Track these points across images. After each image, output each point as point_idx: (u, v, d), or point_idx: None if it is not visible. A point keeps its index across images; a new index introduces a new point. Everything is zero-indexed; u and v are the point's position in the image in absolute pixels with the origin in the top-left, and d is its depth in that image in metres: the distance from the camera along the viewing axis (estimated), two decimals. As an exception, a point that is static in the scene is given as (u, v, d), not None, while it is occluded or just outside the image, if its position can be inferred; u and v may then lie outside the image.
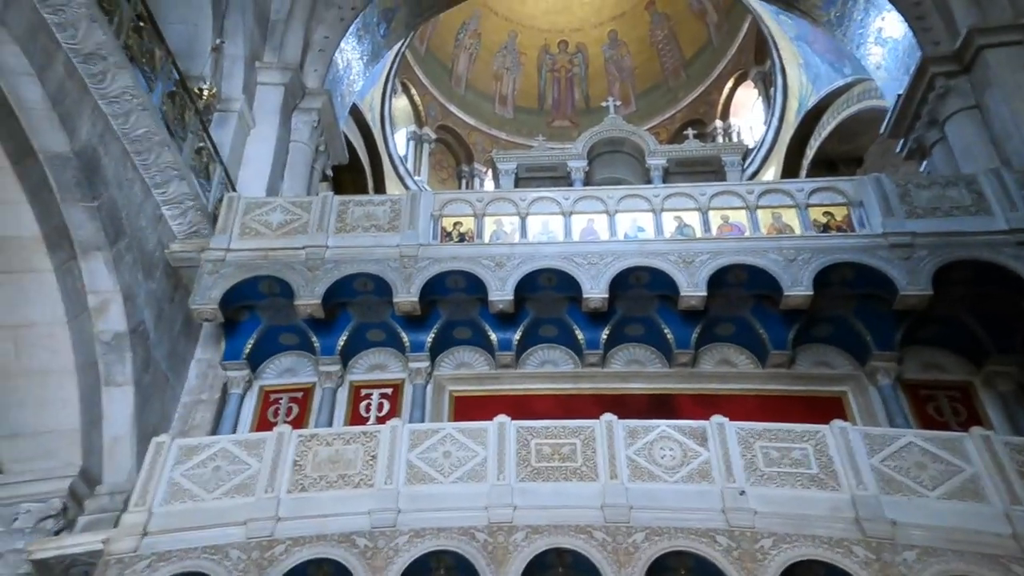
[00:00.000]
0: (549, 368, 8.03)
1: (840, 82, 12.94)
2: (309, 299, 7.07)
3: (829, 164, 13.74)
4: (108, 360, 6.33)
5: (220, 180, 8.20)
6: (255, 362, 7.62)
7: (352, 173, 14.28)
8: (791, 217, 7.75)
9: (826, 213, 7.71)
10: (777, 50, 14.73)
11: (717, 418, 6.02)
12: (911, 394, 7.28)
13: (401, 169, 16.58)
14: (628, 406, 6.96)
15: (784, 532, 5.25)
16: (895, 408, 7.02)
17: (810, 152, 14.11)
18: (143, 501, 5.26)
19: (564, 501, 5.82)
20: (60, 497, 5.83)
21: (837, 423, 5.78)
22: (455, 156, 19.39)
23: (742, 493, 5.52)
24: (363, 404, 7.47)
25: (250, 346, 7.43)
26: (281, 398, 7.40)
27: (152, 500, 5.29)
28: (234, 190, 8.47)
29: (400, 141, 17.36)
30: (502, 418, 6.25)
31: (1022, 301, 6.95)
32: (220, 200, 7.90)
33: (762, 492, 5.53)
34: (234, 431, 7.07)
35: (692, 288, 7.14)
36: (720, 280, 7.29)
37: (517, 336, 7.85)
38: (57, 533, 5.81)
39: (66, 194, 5.94)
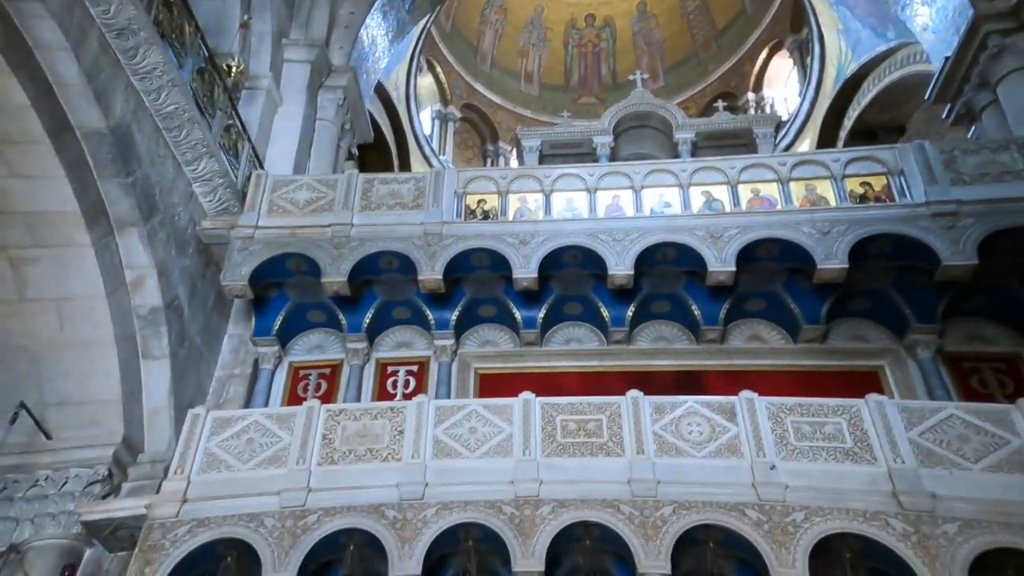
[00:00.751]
0: (574, 346, 8.00)
1: (882, 47, 12.38)
2: (335, 276, 7.13)
3: (869, 134, 13.22)
4: (145, 334, 6.49)
5: (248, 157, 8.28)
6: (284, 338, 7.74)
7: (377, 152, 14.30)
8: (826, 189, 7.51)
9: (863, 183, 7.46)
10: (815, 16, 14.15)
11: (746, 393, 5.93)
12: (953, 367, 7.05)
13: (426, 148, 16.53)
14: (655, 383, 6.90)
15: (817, 506, 5.17)
16: (936, 382, 6.82)
17: (848, 122, 13.60)
18: (182, 470, 5.44)
19: (590, 476, 5.81)
20: (105, 464, 6.06)
21: (873, 397, 5.65)
22: (480, 135, 19.25)
23: (772, 467, 5.45)
24: (390, 381, 7.56)
25: (279, 322, 7.55)
26: (310, 374, 7.53)
27: (190, 469, 5.45)
28: (262, 167, 8.56)
29: (425, 120, 17.29)
30: (527, 394, 6.25)
31: (1074, 269, 6.66)
32: (248, 177, 7.99)
33: (793, 466, 5.45)
34: (266, 405, 7.22)
35: (720, 264, 7.00)
36: (750, 254, 7.13)
37: (542, 314, 7.82)
38: (104, 497, 6.05)
39: (102, 170, 6.05)
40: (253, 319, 7.61)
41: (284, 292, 7.72)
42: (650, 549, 5.39)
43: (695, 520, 5.51)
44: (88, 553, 5.94)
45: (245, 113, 8.51)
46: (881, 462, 5.30)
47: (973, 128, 9.48)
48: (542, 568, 5.33)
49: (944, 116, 10.04)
